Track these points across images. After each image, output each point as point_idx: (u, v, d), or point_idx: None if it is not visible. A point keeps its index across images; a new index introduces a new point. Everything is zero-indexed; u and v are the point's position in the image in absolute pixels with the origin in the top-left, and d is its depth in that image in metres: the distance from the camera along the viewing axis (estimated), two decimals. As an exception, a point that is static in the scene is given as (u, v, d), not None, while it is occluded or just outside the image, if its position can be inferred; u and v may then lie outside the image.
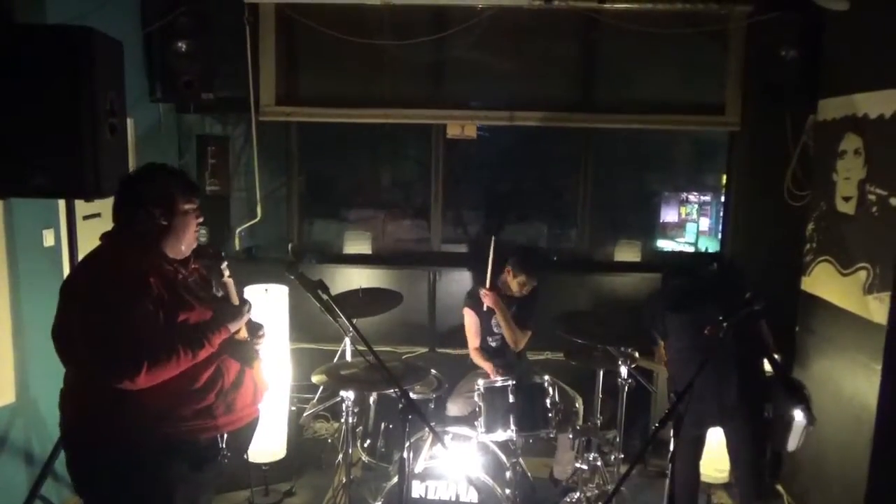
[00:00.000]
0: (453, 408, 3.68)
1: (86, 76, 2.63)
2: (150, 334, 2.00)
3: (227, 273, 2.30)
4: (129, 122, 3.40)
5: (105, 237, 2.20)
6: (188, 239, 2.22)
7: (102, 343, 1.98)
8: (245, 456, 3.44)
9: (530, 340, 3.97)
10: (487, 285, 3.85)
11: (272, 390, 2.72)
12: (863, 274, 3.21)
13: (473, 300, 3.94)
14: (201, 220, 2.25)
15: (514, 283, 3.86)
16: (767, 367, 3.05)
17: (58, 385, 2.16)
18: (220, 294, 2.33)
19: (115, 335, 1.98)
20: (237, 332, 2.26)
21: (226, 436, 2.23)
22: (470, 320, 3.95)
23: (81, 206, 2.97)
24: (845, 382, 3.31)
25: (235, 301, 2.30)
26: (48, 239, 3.34)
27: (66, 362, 2.11)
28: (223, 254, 2.33)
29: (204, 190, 4.57)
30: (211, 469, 2.22)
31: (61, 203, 3.17)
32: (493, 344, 3.94)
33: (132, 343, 1.97)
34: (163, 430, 2.08)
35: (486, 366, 3.81)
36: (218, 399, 2.17)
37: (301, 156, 4.83)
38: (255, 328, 2.41)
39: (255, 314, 2.50)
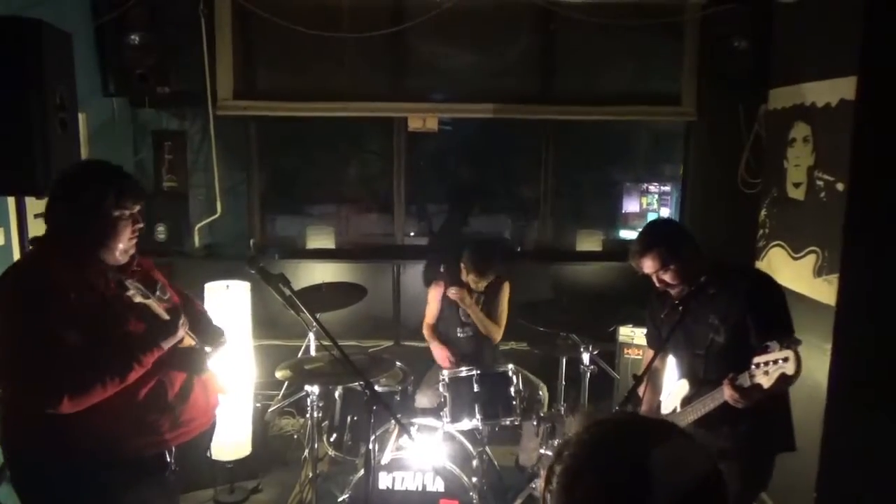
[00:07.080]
0: (422, 399, 3.68)
1: (34, 70, 2.54)
2: (69, 362, 1.86)
3: (137, 298, 2.00)
4: (82, 117, 3.30)
5: (35, 243, 2.06)
6: (122, 245, 2.03)
7: (19, 372, 1.88)
8: (208, 454, 3.40)
9: (505, 333, 3.94)
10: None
11: (236, 388, 2.68)
12: (812, 257, 3.31)
13: (444, 277, 3.91)
14: (140, 225, 2.07)
15: (469, 279, 3.81)
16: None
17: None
18: (166, 296, 2.14)
19: (32, 365, 1.85)
20: (179, 342, 2.10)
21: (174, 449, 2.11)
22: (435, 297, 3.94)
23: (32, 204, 2.88)
24: (798, 363, 3.41)
25: (165, 317, 2.07)
26: (-2, 238, 3.24)
27: None
28: (126, 282, 1.99)
29: (161, 186, 4.49)
30: (157, 484, 2.10)
31: (11, 201, 3.08)
32: (462, 335, 3.90)
33: (49, 373, 1.84)
34: (103, 447, 1.96)
35: (439, 351, 3.84)
36: (163, 415, 2.05)
37: (261, 150, 4.77)
38: (216, 334, 2.28)
39: (216, 312, 2.45)
